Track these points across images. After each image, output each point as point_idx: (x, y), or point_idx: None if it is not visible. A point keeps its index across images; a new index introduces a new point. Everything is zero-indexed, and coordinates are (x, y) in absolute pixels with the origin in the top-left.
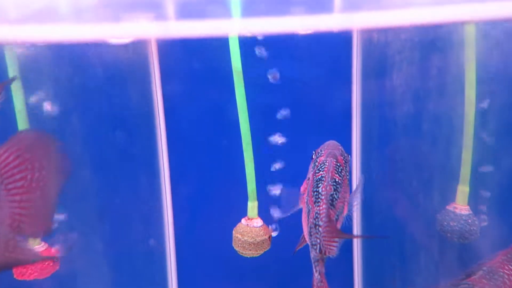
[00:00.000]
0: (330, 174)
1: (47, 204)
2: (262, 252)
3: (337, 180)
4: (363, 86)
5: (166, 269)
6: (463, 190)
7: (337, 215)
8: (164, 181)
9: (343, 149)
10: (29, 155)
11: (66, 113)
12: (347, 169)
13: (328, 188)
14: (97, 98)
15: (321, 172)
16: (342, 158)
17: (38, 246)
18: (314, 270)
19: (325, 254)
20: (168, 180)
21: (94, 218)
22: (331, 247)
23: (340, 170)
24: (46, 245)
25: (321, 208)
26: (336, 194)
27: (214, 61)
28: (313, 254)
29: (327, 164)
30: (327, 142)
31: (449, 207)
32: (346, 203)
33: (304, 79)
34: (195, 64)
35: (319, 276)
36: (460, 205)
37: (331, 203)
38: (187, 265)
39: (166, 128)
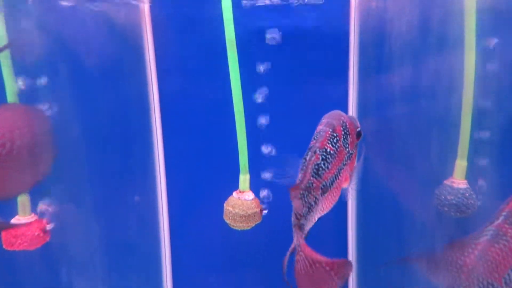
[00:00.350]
0: (319, 144)
1: (26, 171)
2: (253, 225)
3: (328, 150)
4: (361, 55)
5: (159, 241)
6: (461, 165)
7: (324, 185)
8: (157, 153)
9: (349, 121)
10: (6, 125)
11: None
12: (349, 141)
13: (314, 157)
14: (87, 69)
15: (314, 141)
16: (341, 128)
17: (28, 217)
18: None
19: (298, 218)
20: (161, 151)
21: (86, 192)
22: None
23: (335, 141)
24: (36, 217)
25: (302, 175)
26: (324, 164)
27: (208, 32)
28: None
29: (321, 133)
30: (332, 112)
31: (447, 182)
32: (346, 175)
33: (300, 48)
34: (188, 35)
35: (297, 242)
36: (458, 179)
37: (316, 173)
38: (180, 238)
39: (159, 100)
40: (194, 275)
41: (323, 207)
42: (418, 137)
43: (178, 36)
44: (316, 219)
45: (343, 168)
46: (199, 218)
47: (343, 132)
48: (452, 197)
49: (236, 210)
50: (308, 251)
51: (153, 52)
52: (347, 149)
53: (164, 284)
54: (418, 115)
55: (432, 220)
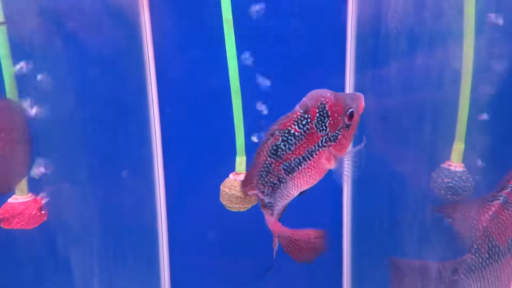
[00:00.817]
0: (280, 126)
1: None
2: (249, 206)
3: (292, 131)
4: (358, 43)
5: (156, 222)
6: (458, 148)
7: (287, 166)
8: (154, 135)
9: (333, 102)
10: None
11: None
12: (330, 122)
13: (273, 138)
14: (83, 47)
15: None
16: (317, 110)
17: (25, 196)
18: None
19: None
20: (159, 133)
21: (82, 167)
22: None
23: (304, 123)
24: (33, 196)
25: (256, 155)
26: (285, 145)
27: (206, 11)
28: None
29: (289, 114)
30: (316, 91)
31: (444, 165)
32: (329, 157)
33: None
34: (186, 13)
35: (271, 218)
36: (455, 163)
37: (275, 153)
38: (177, 219)
39: (157, 80)
40: (190, 255)
41: (298, 185)
42: (416, 120)
43: (175, 13)
44: (291, 196)
45: (318, 150)
46: (196, 199)
47: (318, 114)
48: (449, 180)
49: (232, 192)
50: (277, 227)
51: (150, 30)
52: (323, 131)
53: (161, 265)
54: (416, 99)
55: (429, 203)
